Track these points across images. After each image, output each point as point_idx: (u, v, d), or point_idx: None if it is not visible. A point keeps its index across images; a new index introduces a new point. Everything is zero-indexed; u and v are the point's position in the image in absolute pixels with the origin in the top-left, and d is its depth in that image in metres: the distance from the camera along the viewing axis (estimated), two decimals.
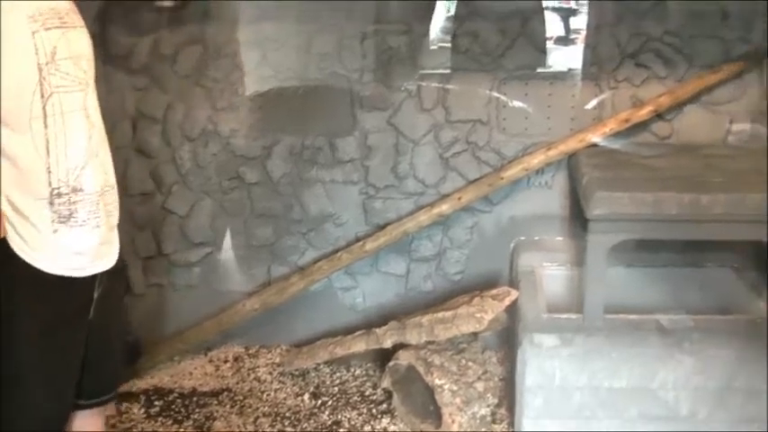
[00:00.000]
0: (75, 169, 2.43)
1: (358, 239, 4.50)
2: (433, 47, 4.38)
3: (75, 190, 2.44)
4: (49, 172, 2.39)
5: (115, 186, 2.66)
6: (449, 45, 4.37)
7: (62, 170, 2.40)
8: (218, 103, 4.35)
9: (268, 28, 4.29)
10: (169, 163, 4.42)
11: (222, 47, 4.30)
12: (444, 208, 4.36)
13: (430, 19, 4.34)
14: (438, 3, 4.35)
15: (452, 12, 4.36)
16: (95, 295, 2.62)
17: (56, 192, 2.41)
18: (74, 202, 2.44)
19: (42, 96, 2.33)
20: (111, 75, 4.20)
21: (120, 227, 2.72)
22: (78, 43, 2.47)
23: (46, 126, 2.36)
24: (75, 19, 2.48)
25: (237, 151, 4.44)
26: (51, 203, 2.41)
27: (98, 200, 2.51)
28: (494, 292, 4.05)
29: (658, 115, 4.28)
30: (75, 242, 2.48)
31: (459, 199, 4.35)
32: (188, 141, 4.40)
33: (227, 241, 4.58)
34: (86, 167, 2.46)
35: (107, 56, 4.15)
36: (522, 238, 4.52)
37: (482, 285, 4.30)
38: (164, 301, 4.62)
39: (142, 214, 4.47)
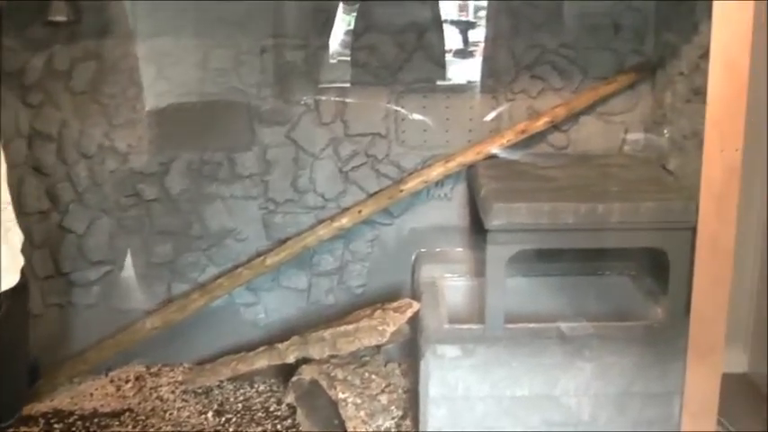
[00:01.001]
0: None
1: (259, 255, 4.47)
2: (331, 61, 4.39)
3: None
4: None
5: (10, 204, 2.60)
6: (347, 59, 4.38)
7: None
8: (114, 119, 4.31)
9: (164, 43, 4.26)
10: (65, 181, 4.36)
11: (118, 62, 4.26)
12: (344, 221, 4.36)
13: (328, 33, 4.34)
14: (336, 16, 4.35)
15: (351, 25, 4.37)
16: None
17: None
18: None
19: None
20: (3, 92, 4.14)
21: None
22: None
23: None
24: None
25: (135, 168, 4.39)
26: None
27: None
28: (395, 304, 4.05)
29: (555, 126, 4.34)
30: None
31: (360, 212, 4.35)
32: (84, 159, 4.34)
33: (127, 259, 4.52)
34: None
35: None
36: (423, 249, 4.53)
37: (384, 298, 4.29)
38: (63, 321, 4.54)
39: (39, 233, 4.39)
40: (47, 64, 4.24)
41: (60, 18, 4.11)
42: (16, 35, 4.17)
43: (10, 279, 2.56)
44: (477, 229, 4.14)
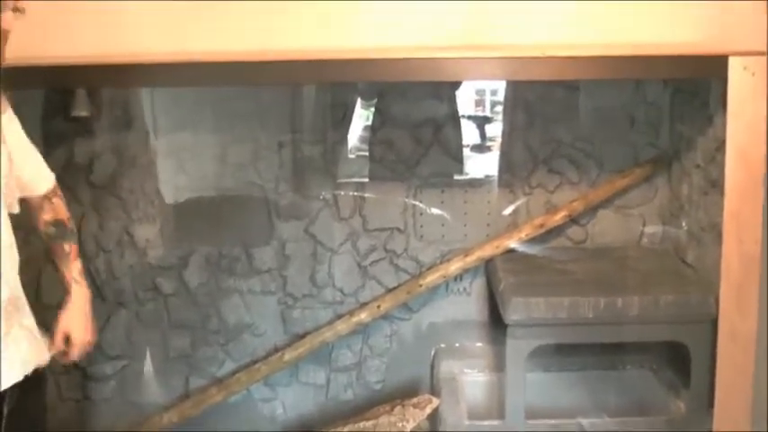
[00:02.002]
0: None
1: (277, 350, 4.46)
2: (349, 155, 4.44)
3: None
4: None
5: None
6: (364, 154, 4.42)
7: None
8: (133, 213, 4.33)
9: (183, 138, 4.31)
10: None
11: (137, 157, 4.30)
12: (363, 316, 4.35)
13: (345, 128, 4.39)
14: (353, 112, 4.40)
15: (368, 121, 4.42)
16: (4, 411, 2.52)
17: None
18: None
19: None
20: None
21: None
22: None
23: None
24: None
25: (153, 261, 4.40)
26: None
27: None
28: (415, 400, 4.01)
29: (573, 220, 4.34)
30: None
31: (379, 307, 4.34)
32: (103, 252, 4.36)
33: (144, 353, 4.50)
34: None
35: None
36: (443, 344, 4.51)
37: (403, 393, 4.25)
38: (78, 415, 4.50)
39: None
40: (67, 158, 4.27)
41: (82, 113, 4.16)
42: (38, 130, 4.20)
43: (16, 373, 2.54)
44: (497, 324, 4.13)
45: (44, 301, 4.18)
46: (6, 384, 2.49)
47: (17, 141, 2.65)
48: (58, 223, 2.86)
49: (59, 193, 2.88)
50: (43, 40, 2.57)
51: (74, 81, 3.67)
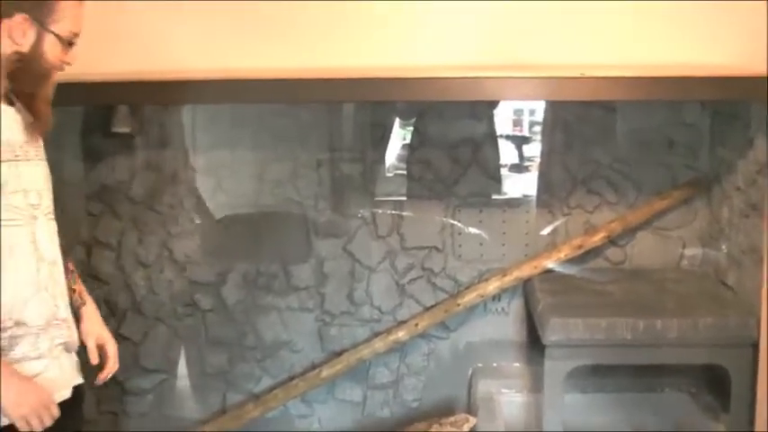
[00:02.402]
0: (19, 303, 2.40)
1: (314, 367, 4.46)
2: (387, 174, 4.44)
3: (17, 324, 2.39)
4: None
5: (68, 319, 2.61)
6: (403, 172, 4.44)
7: (7, 304, 2.37)
8: (172, 229, 4.37)
9: (223, 155, 4.34)
10: (123, 289, 4.40)
11: (177, 173, 4.34)
12: (401, 335, 4.35)
13: (384, 147, 4.41)
14: (391, 131, 4.41)
15: (406, 140, 4.43)
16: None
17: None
18: (15, 337, 2.38)
19: None
20: (65, 200, 4.19)
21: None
22: (29, 176, 2.46)
23: None
24: (30, 152, 2.48)
25: (192, 277, 4.43)
26: None
27: (39, 332, 2.47)
28: (452, 419, 4.02)
29: (611, 241, 4.32)
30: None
31: (416, 325, 4.34)
32: (142, 267, 4.39)
33: (182, 368, 4.53)
34: (31, 301, 2.43)
35: (62, 181, 4.15)
36: (480, 364, 4.49)
37: (440, 412, 4.28)
38: (116, 429, 4.53)
39: None
40: (108, 174, 4.32)
41: (123, 130, 4.20)
42: (79, 146, 4.26)
43: (65, 392, 2.55)
44: (534, 344, 4.12)
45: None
46: (57, 401, 2.50)
47: None
48: None
49: None
50: (86, 57, 2.59)
51: (116, 98, 3.72)
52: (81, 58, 2.55)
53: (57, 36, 2.39)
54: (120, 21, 3.36)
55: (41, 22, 2.34)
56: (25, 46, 2.35)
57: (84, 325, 2.70)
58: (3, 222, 2.33)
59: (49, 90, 2.50)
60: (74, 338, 2.64)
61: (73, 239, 4.27)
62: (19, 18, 2.31)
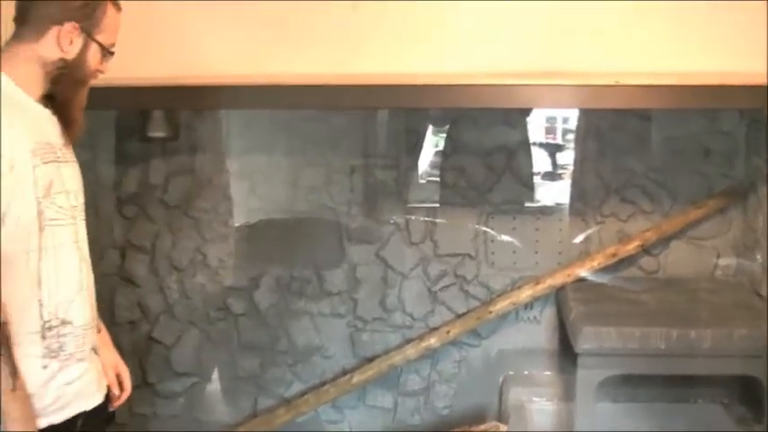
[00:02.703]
0: (65, 302, 2.42)
1: (345, 372, 4.46)
2: (420, 181, 4.44)
3: (64, 323, 2.42)
4: (41, 305, 2.36)
5: (97, 319, 2.64)
6: (436, 179, 4.43)
7: (53, 303, 2.38)
8: (206, 233, 4.39)
9: (257, 160, 4.36)
10: (156, 292, 4.43)
11: (211, 178, 4.36)
12: (432, 341, 4.34)
13: (417, 154, 4.41)
14: (425, 138, 4.41)
15: (440, 147, 4.42)
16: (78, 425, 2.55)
17: (47, 325, 2.37)
18: (63, 335, 2.41)
19: (39, 230, 2.33)
20: (100, 203, 4.25)
21: None
22: (70, 178, 2.49)
23: (40, 259, 2.34)
24: (68, 154, 2.50)
25: (225, 282, 4.44)
26: (43, 337, 2.37)
27: (84, 333, 2.50)
28: (483, 426, 3.99)
29: (645, 250, 4.29)
30: (62, 377, 2.42)
31: (448, 332, 4.33)
32: (176, 271, 4.41)
33: (213, 372, 4.54)
34: (75, 300, 2.46)
35: (97, 184, 4.20)
36: (511, 372, 4.48)
37: (470, 420, 4.25)
38: (147, 431, 4.55)
39: (128, 343, 4.44)
40: (143, 177, 4.34)
41: (159, 134, 4.22)
42: (115, 150, 4.29)
43: (91, 401, 2.56)
44: (566, 353, 4.11)
45: (117, 321, 4.27)
46: (91, 406, 2.52)
47: None
48: None
49: None
50: (122, 62, 2.62)
51: (152, 102, 3.74)
52: (118, 62, 2.58)
53: (101, 45, 2.43)
54: (155, 26, 3.37)
55: (88, 32, 2.39)
56: (71, 53, 2.39)
57: (102, 355, 2.70)
58: (49, 222, 2.35)
59: (84, 97, 2.53)
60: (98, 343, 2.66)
61: (107, 242, 4.30)
62: (69, 26, 2.36)
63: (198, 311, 4.48)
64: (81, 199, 2.55)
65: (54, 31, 2.36)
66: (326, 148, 4.35)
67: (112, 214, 4.34)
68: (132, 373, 4.26)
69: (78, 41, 2.39)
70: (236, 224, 4.43)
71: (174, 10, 3.41)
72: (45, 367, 2.38)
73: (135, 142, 4.29)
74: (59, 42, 2.36)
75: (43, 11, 2.36)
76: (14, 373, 2.25)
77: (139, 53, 3.03)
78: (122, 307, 4.42)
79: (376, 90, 3.39)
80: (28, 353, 2.33)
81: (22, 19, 2.40)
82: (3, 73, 2.34)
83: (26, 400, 2.31)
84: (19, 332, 2.33)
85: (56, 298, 2.38)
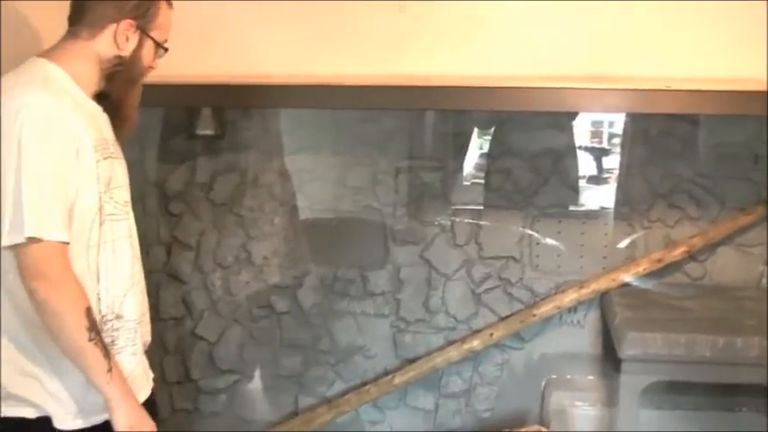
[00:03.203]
0: (120, 296, 2.45)
1: (387, 373, 4.46)
2: (465, 183, 4.44)
3: (117, 317, 2.45)
4: (99, 299, 2.40)
5: (147, 314, 2.67)
6: (482, 182, 4.43)
7: (110, 297, 2.42)
8: (251, 231, 4.40)
9: (304, 160, 4.37)
10: (201, 289, 4.45)
11: (258, 176, 4.37)
12: (475, 344, 4.33)
13: (463, 156, 4.40)
14: (471, 140, 4.41)
15: (485, 149, 4.42)
16: None
17: (104, 319, 2.40)
18: (116, 329, 2.45)
19: (99, 225, 2.37)
20: (146, 200, 4.28)
21: (148, 350, 2.72)
22: (121, 172, 2.53)
23: (98, 254, 2.38)
24: (118, 151, 2.53)
25: (269, 280, 4.46)
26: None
27: (136, 327, 2.53)
28: (524, 430, 4.01)
29: (691, 256, 4.26)
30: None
31: (491, 335, 4.32)
32: (220, 268, 4.43)
33: (256, 369, 4.56)
34: (128, 294, 2.49)
35: (144, 181, 4.23)
36: (554, 376, 4.46)
37: (512, 423, 4.25)
38: (189, 426, 4.57)
39: (172, 339, 4.47)
40: (190, 175, 4.37)
41: (207, 132, 4.25)
42: (162, 147, 4.31)
43: (140, 395, 2.58)
44: (610, 358, 4.09)
45: (162, 317, 4.30)
46: (143, 398, 2.55)
47: None
48: None
49: None
50: (172, 60, 2.64)
51: (201, 100, 3.77)
52: (168, 60, 2.61)
53: (155, 42, 2.47)
54: (204, 25, 3.40)
55: (143, 29, 2.44)
56: (127, 50, 2.44)
57: None
58: (108, 217, 2.40)
59: (138, 94, 2.57)
60: (148, 337, 2.68)
61: (153, 239, 4.33)
62: (125, 24, 2.41)
63: (241, 309, 4.50)
64: (129, 194, 2.58)
65: (110, 28, 2.40)
66: (373, 148, 4.35)
67: (159, 211, 4.36)
68: (175, 368, 4.37)
69: (134, 39, 2.44)
70: (282, 223, 4.44)
71: (223, 10, 3.44)
72: None
73: (183, 140, 4.32)
74: (116, 40, 2.41)
75: (100, 10, 2.40)
76: (107, 354, 2.29)
77: (189, 51, 3.06)
78: (167, 303, 4.45)
79: (422, 91, 3.39)
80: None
81: (77, 18, 2.44)
82: (60, 68, 2.36)
83: (123, 378, 2.36)
84: None
85: (112, 292, 2.43)
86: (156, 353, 3.29)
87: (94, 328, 2.26)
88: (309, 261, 4.47)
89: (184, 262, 4.43)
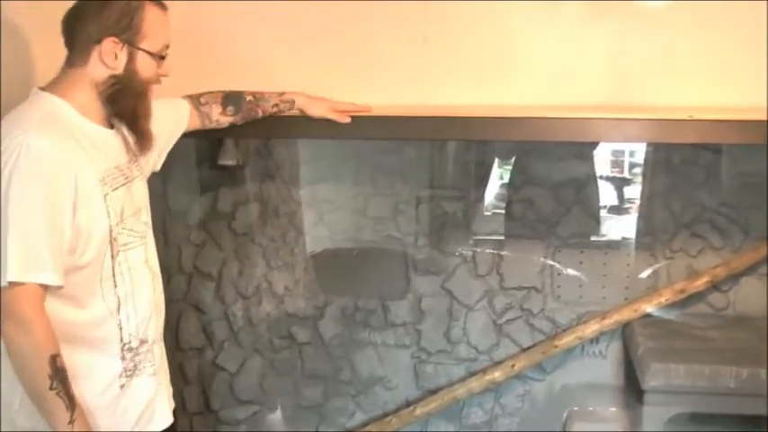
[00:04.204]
0: (143, 322, 2.45)
1: (408, 404, 4.45)
2: (487, 213, 4.44)
3: (142, 342, 2.45)
4: (120, 328, 2.39)
5: (162, 331, 2.66)
6: (503, 211, 4.43)
7: (132, 325, 2.41)
8: (273, 261, 4.40)
9: (325, 190, 4.38)
10: (222, 319, 4.44)
11: (279, 207, 4.37)
12: (497, 375, 4.31)
13: (485, 185, 4.40)
14: (492, 170, 4.41)
15: (507, 179, 4.41)
16: None
17: (126, 347, 2.40)
18: (139, 354, 2.45)
19: (112, 257, 2.35)
20: (169, 229, 4.28)
21: (170, 380, 2.72)
22: (139, 194, 2.51)
23: (116, 285, 2.37)
24: (135, 170, 2.52)
25: (290, 310, 4.45)
26: (123, 359, 2.40)
27: (152, 347, 2.52)
28: None
29: (714, 286, 4.23)
30: (137, 393, 2.46)
31: (513, 366, 4.30)
32: (242, 298, 4.43)
33: (276, 400, 4.54)
34: (151, 318, 2.49)
35: (166, 210, 4.23)
36: (576, 407, 4.43)
37: None
38: None
39: (192, 369, 4.46)
40: (212, 205, 4.37)
41: (229, 162, 4.25)
42: (185, 176, 4.32)
43: (159, 422, 2.58)
44: (633, 389, 4.06)
45: (182, 347, 4.29)
46: (163, 426, 2.54)
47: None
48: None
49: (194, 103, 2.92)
50: (192, 90, 2.65)
51: (223, 131, 3.76)
52: (187, 90, 2.60)
53: (148, 53, 2.41)
54: (226, 53, 3.41)
55: (131, 42, 2.37)
56: (119, 68, 2.37)
57: None
58: (122, 248, 2.38)
59: (149, 105, 2.50)
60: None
61: (175, 268, 4.33)
62: (108, 43, 2.34)
63: (262, 339, 4.49)
64: (149, 212, 2.58)
65: (96, 50, 2.35)
66: (394, 178, 4.36)
67: (181, 240, 4.36)
68: (195, 399, 4.35)
69: (123, 55, 2.37)
70: (303, 253, 4.44)
71: (241, 36, 3.44)
72: (122, 387, 2.41)
73: (206, 170, 4.32)
74: (104, 60, 2.35)
75: (84, 33, 2.35)
76: (72, 406, 2.23)
77: (210, 81, 3.06)
78: (187, 333, 4.44)
79: (445, 121, 3.38)
80: (106, 374, 2.35)
81: (68, 45, 2.39)
82: (62, 100, 2.34)
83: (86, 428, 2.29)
84: (96, 357, 2.35)
85: (134, 320, 2.42)
86: (176, 383, 3.27)
87: (59, 377, 2.19)
88: (330, 291, 4.47)
89: (205, 292, 4.43)
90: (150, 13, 2.39)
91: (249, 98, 3.00)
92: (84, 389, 2.32)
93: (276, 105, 3.06)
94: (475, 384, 4.32)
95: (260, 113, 3.04)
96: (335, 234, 4.43)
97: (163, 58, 2.45)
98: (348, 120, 3.13)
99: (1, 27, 2.75)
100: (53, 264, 2.17)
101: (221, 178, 4.35)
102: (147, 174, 2.66)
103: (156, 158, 2.72)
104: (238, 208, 4.38)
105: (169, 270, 4.19)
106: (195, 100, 2.90)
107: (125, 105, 2.43)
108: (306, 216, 4.40)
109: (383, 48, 3.43)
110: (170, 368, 2.73)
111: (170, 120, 2.77)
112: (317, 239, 4.43)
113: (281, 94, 3.06)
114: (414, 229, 4.38)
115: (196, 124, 2.91)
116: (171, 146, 2.80)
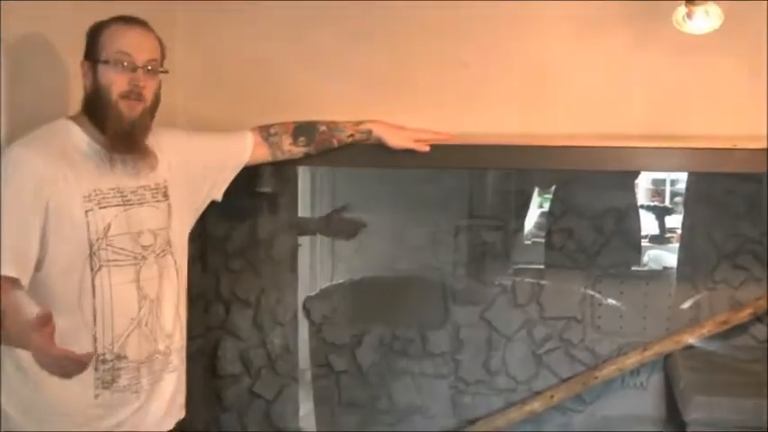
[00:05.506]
0: (119, 337, 2.48)
1: None
2: (526, 242, 4.43)
3: (118, 357, 2.48)
4: (95, 339, 2.44)
5: (169, 355, 2.66)
6: (543, 241, 4.40)
7: (107, 338, 2.46)
8: (310, 289, 4.39)
9: (363, 218, 4.35)
10: (259, 347, 4.43)
11: (317, 234, 4.37)
12: (536, 406, 4.28)
13: (524, 215, 4.38)
14: (532, 199, 4.39)
15: (546, 208, 4.39)
16: None
17: (101, 358, 2.45)
18: (117, 369, 2.49)
19: (92, 270, 2.41)
20: (207, 256, 4.28)
21: (206, 407, 2.72)
22: (144, 219, 2.54)
23: (94, 297, 2.42)
24: (147, 195, 2.57)
25: (328, 338, 4.44)
26: (96, 369, 2.44)
27: (139, 367, 2.53)
28: None
29: (757, 318, 4.18)
30: (114, 406, 2.51)
31: (552, 397, 4.26)
32: (279, 326, 4.42)
33: (313, 428, 4.52)
34: (131, 336, 2.50)
35: (206, 238, 4.24)
36: None
37: None
38: None
39: (229, 396, 4.43)
40: (250, 232, 4.37)
41: (267, 189, 4.25)
42: (224, 204, 4.32)
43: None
44: (673, 421, 4.01)
45: (219, 374, 4.29)
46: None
47: (192, 145, 2.80)
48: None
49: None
50: (234, 118, 2.66)
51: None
52: (231, 119, 2.60)
53: (104, 62, 2.45)
54: (260, 77, 3.42)
55: (93, 58, 2.46)
56: (88, 86, 2.48)
57: None
58: (105, 263, 2.44)
59: (145, 121, 2.53)
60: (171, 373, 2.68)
61: (212, 295, 4.33)
62: (82, 66, 2.49)
63: (299, 367, 4.48)
64: (161, 237, 2.60)
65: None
66: (433, 207, 4.35)
67: (220, 268, 4.36)
68: (232, 426, 4.34)
69: (89, 72, 2.47)
70: (341, 281, 4.43)
71: (279, 61, 3.45)
72: (97, 396, 2.47)
73: (245, 197, 4.32)
74: (84, 84, 2.48)
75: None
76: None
77: (243, 109, 3.08)
78: (225, 360, 4.43)
79: (485, 150, 3.37)
80: (78, 380, 2.34)
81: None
82: (73, 123, 2.47)
83: None
84: None
85: (110, 334, 2.46)
86: (213, 410, 3.28)
87: None
88: (368, 320, 4.45)
89: (243, 319, 4.42)
90: (109, 29, 2.47)
91: (323, 128, 3.05)
92: (56, 393, 2.39)
93: (352, 135, 3.10)
94: (514, 415, 4.29)
95: (335, 143, 3.09)
96: (373, 262, 4.43)
97: (131, 67, 2.45)
98: (427, 149, 3.14)
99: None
100: (12, 260, 2.24)
101: (259, 206, 4.35)
102: (198, 203, 2.86)
103: (208, 190, 2.90)
104: (276, 235, 4.38)
105: (207, 297, 4.19)
106: (264, 131, 2.99)
107: (98, 117, 2.48)
108: (344, 244, 4.40)
109: (422, 75, 3.43)
110: (207, 395, 2.73)
111: (221, 149, 2.90)
112: (356, 268, 4.43)
113: (358, 123, 3.09)
114: (452, 258, 4.38)
115: (265, 155, 3.02)
116: (230, 175, 2.96)
